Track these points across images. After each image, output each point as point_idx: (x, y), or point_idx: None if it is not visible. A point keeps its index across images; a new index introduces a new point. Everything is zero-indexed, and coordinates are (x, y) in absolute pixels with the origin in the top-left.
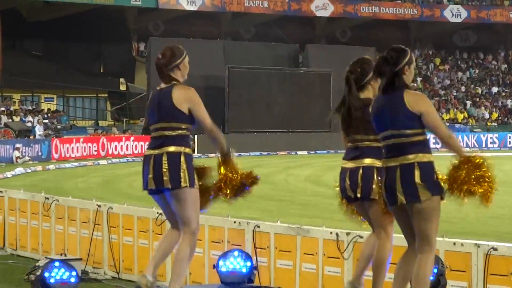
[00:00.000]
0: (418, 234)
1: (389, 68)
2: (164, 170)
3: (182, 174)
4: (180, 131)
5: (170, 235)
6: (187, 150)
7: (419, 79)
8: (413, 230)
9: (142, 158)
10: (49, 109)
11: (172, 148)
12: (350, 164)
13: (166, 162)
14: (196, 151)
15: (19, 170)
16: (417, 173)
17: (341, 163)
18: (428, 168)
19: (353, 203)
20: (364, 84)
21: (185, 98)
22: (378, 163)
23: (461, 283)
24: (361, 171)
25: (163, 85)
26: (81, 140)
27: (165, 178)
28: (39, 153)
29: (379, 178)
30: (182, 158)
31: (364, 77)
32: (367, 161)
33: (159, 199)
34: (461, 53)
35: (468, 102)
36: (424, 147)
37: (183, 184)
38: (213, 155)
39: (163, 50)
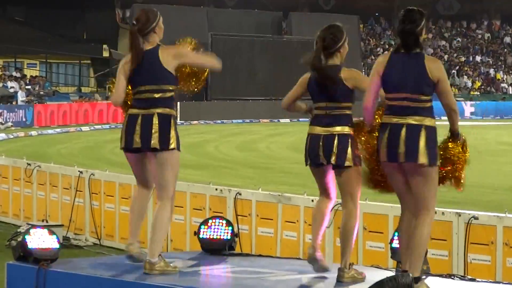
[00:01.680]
0: (416, 196)
1: (411, 27)
2: (154, 131)
3: (171, 136)
4: (168, 93)
5: (140, 195)
6: (174, 113)
7: None
8: (407, 189)
9: (126, 116)
10: (31, 76)
11: (161, 110)
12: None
13: (156, 123)
14: (179, 118)
15: (1, 136)
16: (423, 135)
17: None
18: (433, 134)
19: (318, 168)
20: (333, 51)
21: (172, 55)
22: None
23: (442, 252)
24: (336, 138)
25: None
26: (64, 106)
27: (153, 139)
28: (22, 119)
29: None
30: (172, 121)
31: (336, 44)
32: (338, 128)
33: (134, 158)
34: (445, 22)
35: (451, 71)
36: (432, 112)
37: (171, 146)
38: (195, 122)
39: (137, 15)
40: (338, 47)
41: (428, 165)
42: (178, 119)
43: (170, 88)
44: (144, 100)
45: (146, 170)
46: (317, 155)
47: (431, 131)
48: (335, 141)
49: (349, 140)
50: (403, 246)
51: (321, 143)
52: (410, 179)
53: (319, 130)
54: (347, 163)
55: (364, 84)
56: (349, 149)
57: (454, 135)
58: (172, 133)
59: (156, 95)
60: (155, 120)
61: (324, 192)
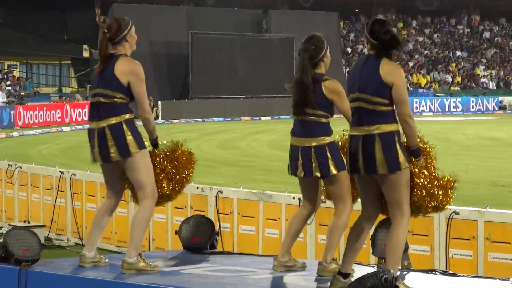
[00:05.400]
0: (388, 202)
1: (389, 37)
2: (110, 144)
3: (128, 142)
4: (116, 99)
5: (103, 206)
6: (127, 116)
7: None
8: (372, 199)
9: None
10: (13, 76)
11: (113, 120)
12: (300, 142)
13: (110, 135)
14: (160, 117)
15: None
16: (377, 145)
17: (291, 140)
18: (389, 139)
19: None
20: (317, 61)
21: (128, 71)
22: (328, 139)
23: (424, 247)
24: (313, 150)
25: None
26: (45, 107)
27: (112, 152)
28: (2, 120)
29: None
30: (125, 127)
31: (318, 54)
32: (318, 138)
33: (106, 167)
34: (424, 18)
35: (431, 67)
36: (387, 117)
37: (132, 151)
38: (176, 120)
39: (108, 23)
40: (321, 56)
41: (389, 173)
42: (159, 118)
43: (120, 95)
44: (94, 105)
45: (117, 178)
46: (296, 165)
47: (385, 138)
48: (313, 153)
49: (327, 149)
50: (348, 248)
51: (300, 155)
52: (381, 187)
53: (296, 141)
54: (332, 172)
55: (342, 104)
56: (329, 158)
57: (412, 153)
58: (129, 137)
59: (104, 100)
60: (108, 133)
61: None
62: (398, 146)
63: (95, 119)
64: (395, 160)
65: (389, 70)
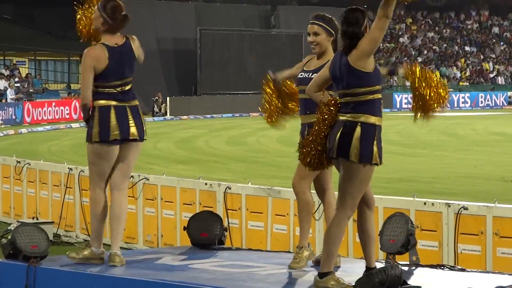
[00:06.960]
0: (338, 191)
1: (353, 29)
2: (143, 121)
3: (145, 128)
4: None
5: (102, 198)
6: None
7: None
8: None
9: (107, 108)
10: (20, 73)
11: (137, 102)
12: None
13: (141, 114)
14: (168, 113)
15: None
16: (357, 131)
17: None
18: (369, 130)
19: None
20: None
21: (140, 47)
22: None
23: (432, 243)
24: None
25: (117, 40)
26: (53, 103)
27: (145, 130)
28: (12, 117)
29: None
30: (141, 112)
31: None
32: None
33: (116, 150)
34: (433, 13)
35: (440, 62)
36: (371, 108)
37: (145, 137)
38: (185, 116)
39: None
40: None
41: (357, 162)
42: (168, 114)
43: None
44: (125, 92)
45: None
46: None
47: (366, 128)
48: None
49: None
50: (362, 240)
51: None
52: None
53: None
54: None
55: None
56: None
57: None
58: (145, 124)
59: (131, 86)
60: (140, 112)
61: None
62: (374, 142)
63: (127, 100)
64: (369, 152)
65: (352, 54)
